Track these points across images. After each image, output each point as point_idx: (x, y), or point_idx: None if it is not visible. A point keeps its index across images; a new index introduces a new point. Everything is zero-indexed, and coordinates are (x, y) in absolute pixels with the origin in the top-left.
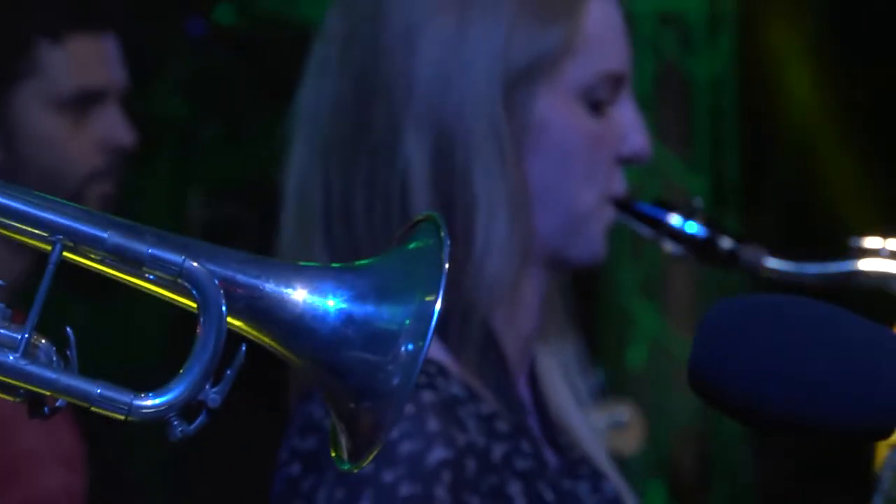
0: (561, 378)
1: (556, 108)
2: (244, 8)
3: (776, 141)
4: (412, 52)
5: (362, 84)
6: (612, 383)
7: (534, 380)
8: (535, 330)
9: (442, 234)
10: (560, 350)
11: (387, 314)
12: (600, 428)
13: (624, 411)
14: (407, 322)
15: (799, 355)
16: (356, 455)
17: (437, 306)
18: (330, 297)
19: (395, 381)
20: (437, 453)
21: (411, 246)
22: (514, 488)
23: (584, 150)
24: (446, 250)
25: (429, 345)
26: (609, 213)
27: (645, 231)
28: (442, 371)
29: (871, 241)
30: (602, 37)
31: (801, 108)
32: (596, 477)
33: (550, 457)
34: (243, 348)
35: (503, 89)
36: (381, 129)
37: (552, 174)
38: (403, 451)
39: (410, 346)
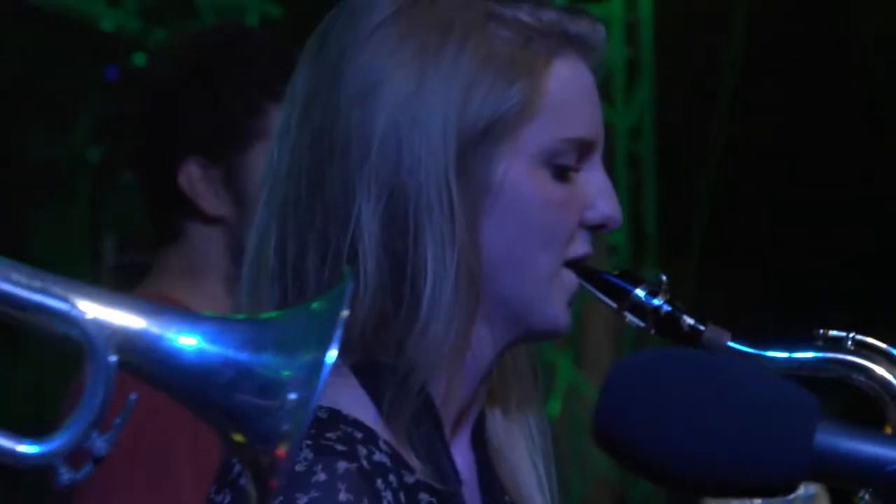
0: (519, 443)
1: (515, 171)
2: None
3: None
4: (368, 110)
5: (320, 143)
6: None
7: (482, 442)
8: (481, 391)
9: (345, 289)
10: (523, 420)
11: (279, 363)
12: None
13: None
14: (298, 372)
15: (699, 414)
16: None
17: (329, 358)
18: (224, 346)
19: (285, 427)
20: None
21: (318, 302)
22: None
23: (545, 217)
24: (346, 303)
25: (318, 394)
26: (570, 281)
27: (608, 301)
28: (368, 437)
29: (836, 332)
30: (567, 101)
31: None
32: None
33: None
34: (132, 397)
35: (458, 151)
36: (336, 189)
37: (509, 239)
38: None
39: (297, 395)
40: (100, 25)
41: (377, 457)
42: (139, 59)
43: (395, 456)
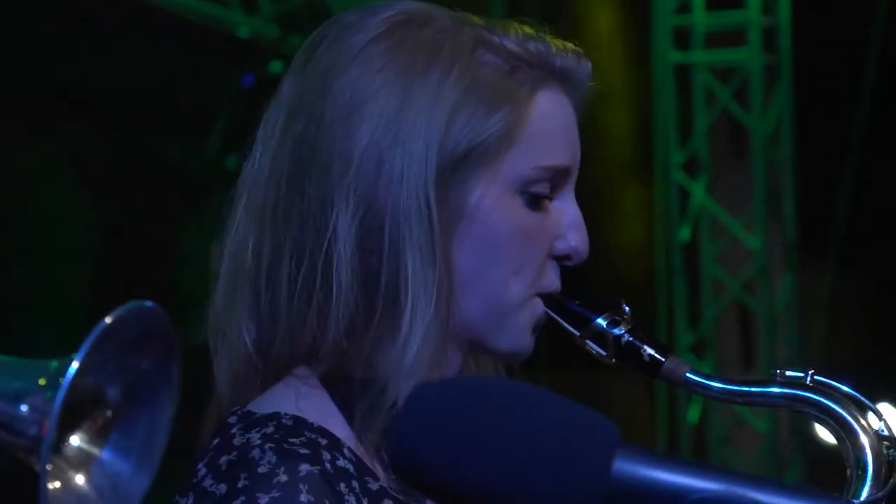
0: None
1: (490, 197)
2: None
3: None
4: (352, 125)
5: (302, 152)
6: None
7: None
8: None
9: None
10: None
11: (27, 373)
12: None
13: None
14: (43, 381)
15: (497, 443)
16: None
17: (72, 367)
18: None
19: (33, 431)
20: None
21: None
22: None
23: (516, 243)
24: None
25: (61, 400)
26: (538, 308)
27: (570, 329)
28: (333, 444)
29: (793, 372)
30: (546, 130)
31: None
32: None
33: None
34: None
35: (438, 172)
36: (314, 198)
37: (480, 263)
38: None
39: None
40: (237, 33)
41: (341, 462)
42: (275, 66)
43: (359, 464)
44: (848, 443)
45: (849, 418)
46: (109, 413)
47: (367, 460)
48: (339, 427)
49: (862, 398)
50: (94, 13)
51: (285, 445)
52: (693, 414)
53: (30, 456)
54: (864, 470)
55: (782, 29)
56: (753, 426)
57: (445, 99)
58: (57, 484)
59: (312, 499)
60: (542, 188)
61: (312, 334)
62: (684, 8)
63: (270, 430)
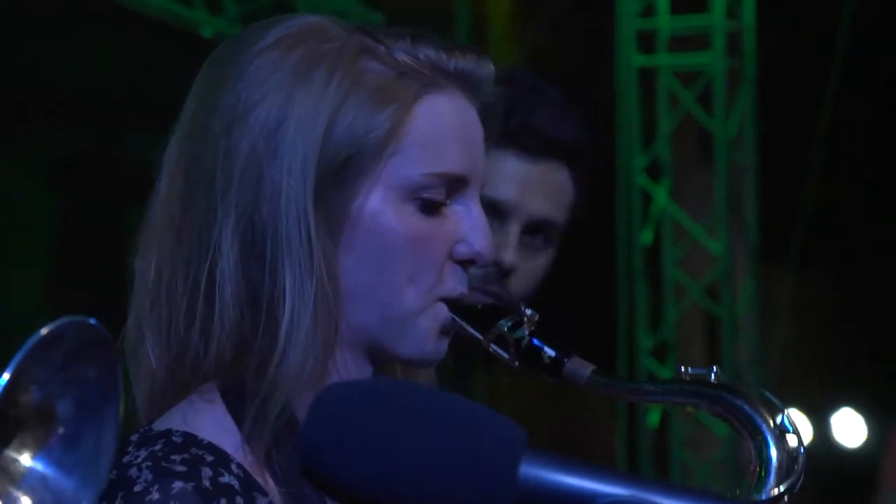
0: None
1: (374, 203)
2: None
3: None
4: (233, 141)
5: (191, 171)
6: None
7: None
8: None
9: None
10: None
11: None
12: None
13: None
14: None
15: (402, 448)
16: None
17: (2, 380)
18: None
19: None
20: None
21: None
22: None
23: (407, 249)
24: (36, 340)
25: None
26: (441, 313)
27: (474, 333)
28: (219, 461)
29: (696, 370)
30: (435, 135)
31: None
32: None
33: None
34: None
35: (318, 181)
36: (200, 216)
37: (369, 271)
38: None
39: None
40: (201, 33)
41: (224, 479)
42: None
43: (247, 479)
44: (752, 439)
45: (752, 414)
46: (61, 429)
47: (257, 475)
48: (231, 442)
49: (767, 394)
50: (58, 10)
51: (163, 464)
52: (653, 418)
53: None
54: (768, 466)
55: (746, 33)
56: (714, 431)
57: (327, 104)
58: None
59: None
60: (435, 194)
61: (206, 350)
62: (648, 11)
63: (157, 447)
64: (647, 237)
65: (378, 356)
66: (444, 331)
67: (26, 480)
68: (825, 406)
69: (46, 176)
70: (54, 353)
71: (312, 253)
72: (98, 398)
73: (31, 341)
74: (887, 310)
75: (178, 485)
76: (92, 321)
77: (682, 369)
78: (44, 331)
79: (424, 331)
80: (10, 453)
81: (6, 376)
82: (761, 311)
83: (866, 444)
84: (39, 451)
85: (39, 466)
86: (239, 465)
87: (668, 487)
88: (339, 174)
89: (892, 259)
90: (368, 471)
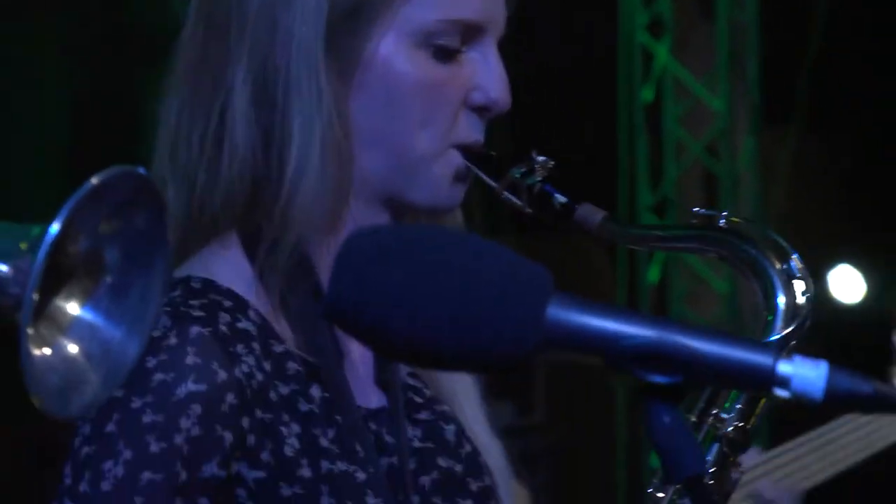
0: None
1: (387, 48)
2: None
3: None
4: None
5: (207, 20)
6: None
7: None
8: None
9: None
10: None
11: (8, 237)
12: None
13: (766, 488)
14: (24, 245)
15: (432, 284)
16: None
17: (52, 228)
18: None
19: (16, 291)
20: (188, 386)
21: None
22: (290, 429)
23: (419, 94)
24: (86, 190)
25: (41, 261)
26: (455, 160)
27: (488, 181)
28: (238, 306)
29: (706, 211)
30: None
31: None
32: (436, 420)
33: (374, 400)
34: None
35: (329, 26)
36: (214, 62)
37: (380, 115)
38: (154, 381)
39: (27, 264)
40: None
41: (242, 324)
42: None
43: (264, 326)
44: (759, 283)
45: (760, 258)
46: (109, 279)
47: (273, 321)
48: (248, 288)
49: (776, 238)
50: None
51: (181, 309)
52: (653, 274)
53: (16, 316)
54: (775, 310)
55: None
56: (714, 287)
57: None
58: (46, 350)
59: (199, 361)
60: (449, 41)
61: (221, 194)
62: None
63: (177, 293)
64: (647, 94)
65: (393, 205)
66: (458, 177)
67: (74, 329)
68: (823, 263)
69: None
70: (103, 203)
71: (322, 96)
72: (146, 248)
73: (82, 191)
74: (887, 169)
75: (195, 329)
76: (141, 170)
77: (694, 211)
78: (94, 180)
79: (438, 177)
80: (59, 302)
81: (56, 226)
82: (761, 170)
83: (865, 300)
84: (87, 301)
85: (88, 316)
86: (256, 312)
87: (691, 329)
88: (352, 19)
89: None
90: (397, 312)
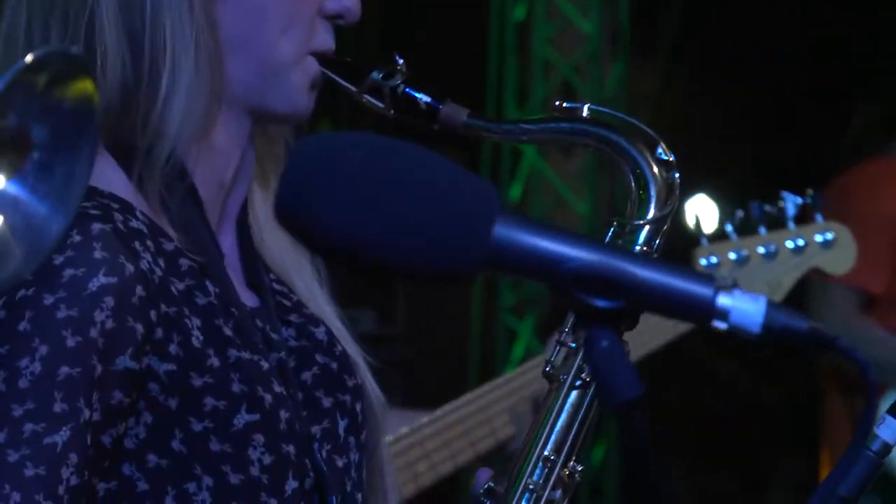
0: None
1: None
2: None
3: None
4: None
5: None
6: None
7: (246, 227)
8: (237, 178)
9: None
10: None
11: None
12: (803, 246)
13: (831, 228)
14: None
15: (380, 195)
16: None
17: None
18: None
19: None
20: (100, 279)
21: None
22: (192, 322)
23: (281, 3)
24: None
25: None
26: (312, 67)
27: (347, 86)
28: (125, 208)
29: (570, 104)
30: None
31: None
32: (306, 323)
33: (250, 301)
34: None
35: None
36: None
37: (245, 23)
38: (65, 277)
39: None
40: None
41: (133, 224)
42: None
43: (151, 225)
44: (629, 168)
45: (626, 145)
46: (35, 155)
47: (158, 222)
48: (128, 193)
49: (637, 123)
50: None
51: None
52: (515, 192)
53: None
54: (647, 192)
55: None
56: (574, 208)
57: None
58: None
59: (107, 254)
60: None
61: None
62: None
63: None
64: (519, 13)
65: (256, 114)
66: (314, 85)
67: None
68: (682, 193)
69: None
70: (35, 81)
71: (192, 2)
72: (74, 129)
73: (15, 68)
74: (745, 103)
75: (96, 226)
76: (74, 49)
77: (556, 104)
78: (28, 58)
79: (296, 85)
80: None
81: None
82: (627, 98)
83: (718, 229)
84: (14, 176)
85: (12, 189)
86: (142, 213)
87: (635, 256)
88: None
89: (761, 53)
90: (345, 218)
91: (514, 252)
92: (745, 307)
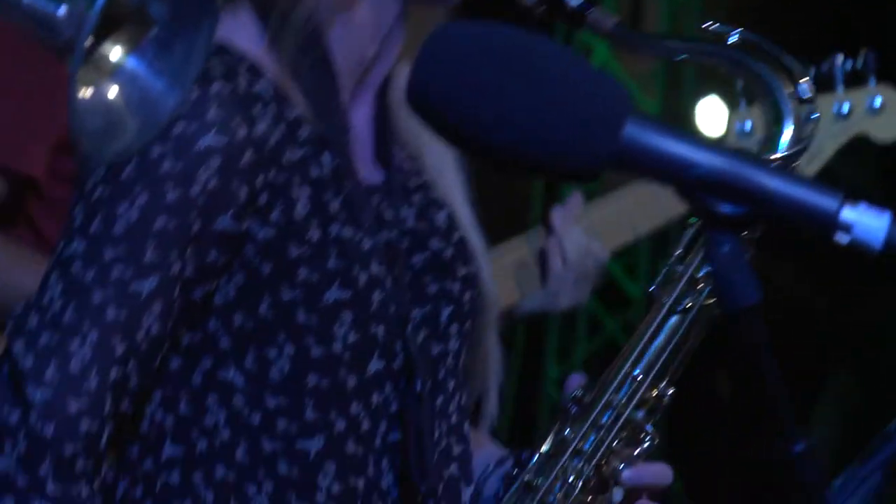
0: None
1: None
2: None
3: None
4: None
5: None
6: None
7: (384, 103)
8: (379, 55)
9: None
10: None
11: None
12: (849, 111)
13: (881, 93)
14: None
15: (515, 85)
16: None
17: None
18: None
19: (69, 33)
20: (209, 139)
21: None
22: (301, 191)
23: None
24: None
25: (99, 7)
26: None
27: None
28: (251, 69)
29: (720, 27)
30: None
31: None
32: (428, 205)
33: (374, 176)
34: None
35: None
36: None
37: None
38: (175, 131)
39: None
40: None
41: (257, 87)
42: None
43: (277, 90)
44: (767, 103)
45: (773, 85)
46: (155, 32)
47: (287, 90)
48: (256, 50)
49: (790, 59)
50: None
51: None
52: None
53: (63, 58)
54: (782, 125)
55: None
56: (642, 107)
57: None
58: (87, 91)
59: (221, 115)
60: None
61: None
62: None
63: None
64: None
65: None
66: None
67: (117, 75)
68: (688, 97)
69: None
70: None
71: None
72: (194, 8)
73: None
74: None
75: (216, 86)
76: None
77: (704, 26)
78: None
79: None
80: (106, 48)
81: None
82: None
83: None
84: (133, 50)
85: (131, 63)
86: (269, 78)
87: (762, 164)
88: None
89: None
90: (483, 106)
91: (643, 153)
92: (868, 222)
